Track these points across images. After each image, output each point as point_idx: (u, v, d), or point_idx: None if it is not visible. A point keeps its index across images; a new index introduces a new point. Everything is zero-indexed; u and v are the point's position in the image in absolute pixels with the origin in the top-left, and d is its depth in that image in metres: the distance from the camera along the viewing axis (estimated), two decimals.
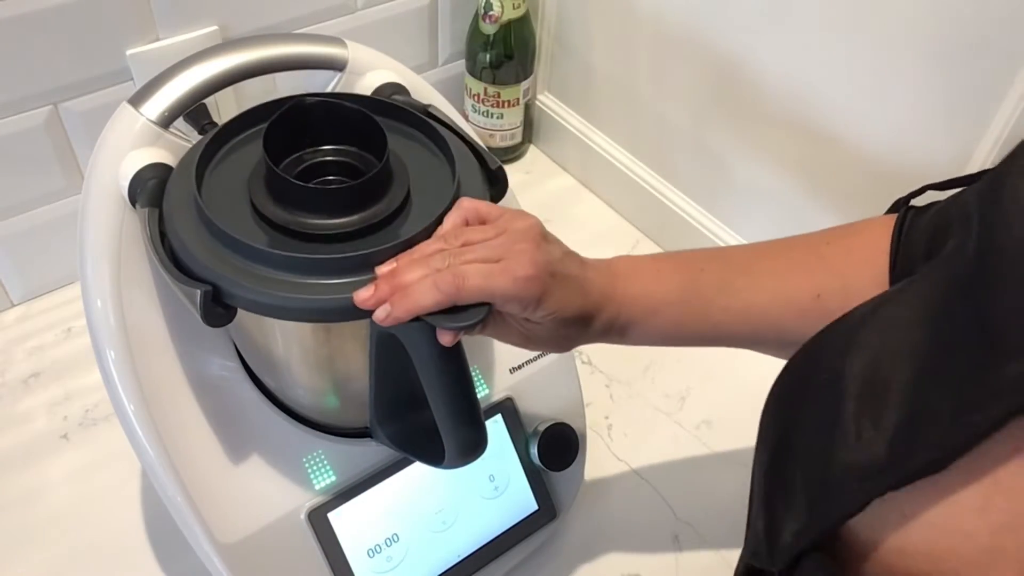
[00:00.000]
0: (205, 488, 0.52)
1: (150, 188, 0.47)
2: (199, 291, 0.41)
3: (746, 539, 0.44)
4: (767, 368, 0.80)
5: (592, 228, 0.94)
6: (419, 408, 0.49)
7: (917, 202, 0.50)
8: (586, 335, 0.50)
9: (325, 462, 0.56)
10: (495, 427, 0.61)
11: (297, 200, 0.45)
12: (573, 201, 0.97)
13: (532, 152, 1.03)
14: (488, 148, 0.52)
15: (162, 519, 0.65)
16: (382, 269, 0.43)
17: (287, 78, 0.59)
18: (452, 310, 0.42)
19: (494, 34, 0.89)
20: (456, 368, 0.46)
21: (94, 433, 0.71)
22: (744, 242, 0.82)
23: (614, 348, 0.81)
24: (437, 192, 0.47)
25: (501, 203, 0.51)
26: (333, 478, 0.56)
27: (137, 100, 0.50)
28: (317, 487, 0.55)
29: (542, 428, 0.62)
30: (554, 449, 0.62)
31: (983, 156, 0.59)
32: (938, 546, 0.32)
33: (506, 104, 0.94)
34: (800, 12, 0.66)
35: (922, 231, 0.46)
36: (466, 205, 0.46)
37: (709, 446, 0.74)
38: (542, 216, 1.00)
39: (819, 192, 0.72)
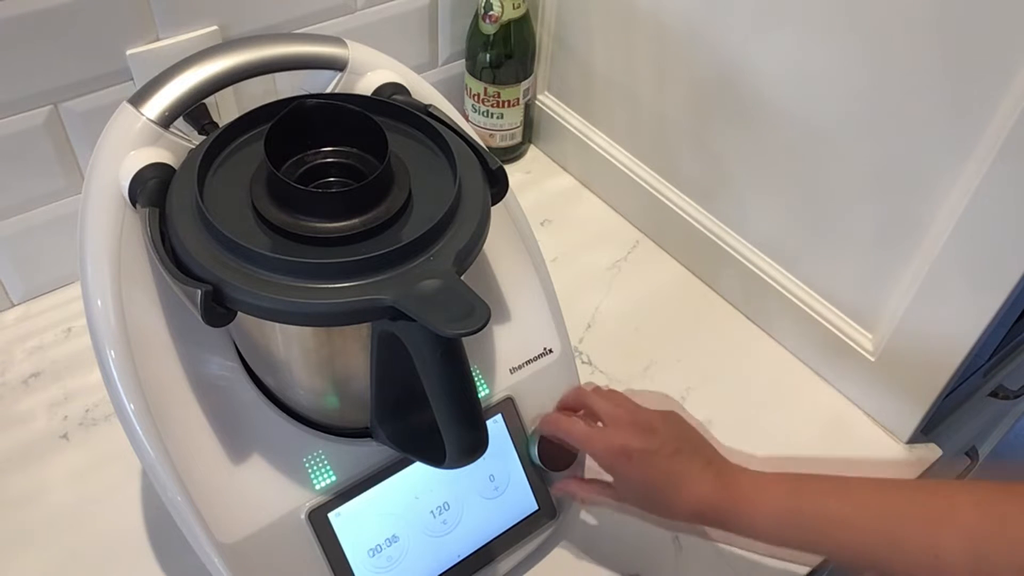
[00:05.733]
0: (205, 488, 0.52)
1: (150, 188, 0.47)
2: (199, 291, 0.41)
3: None
4: (767, 368, 0.81)
5: (592, 228, 0.94)
6: (420, 408, 0.49)
7: None
8: (674, 517, 0.56)
9: (325, 462, 0.56)
10: (495, 427, 0.61)
11: (298, 204, 0.45)
12: (573, 201, 0.97)
13: (532, 152, 1.03)
14: (488, 148, 0.52)
15: (162, 519, 0.65)
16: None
17: (287, 78, 0.59)
18: (454, 314, 0.42)
19: (494, 34, 0.89)
20: (457, 368, 0.46)
21: (94, 433, 0.71)
22: (744, 242, 0.82)
23: (614, 348, 0.81)
24: (438, 193, 0.47)
25: (501, 204, 0.52)
26: (333, 478, 0.56)
27: (137, 100, 0.50)
28: (317, 487, 0.55)
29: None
30: (554, 449, 0.62)
31: (982, 156, 0.59)
32: None
33: (506, 104, 0.94)
34: (799, 12, 0.66)
35: None
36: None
37: None
38: (542, 216, 1.00)
39: (819, 192, 0.72)
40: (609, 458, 0.56)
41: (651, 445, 0.55)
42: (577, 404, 0.62)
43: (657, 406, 0.60)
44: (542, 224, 0.93)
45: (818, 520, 0.51)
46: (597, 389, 0.62)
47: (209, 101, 0.53)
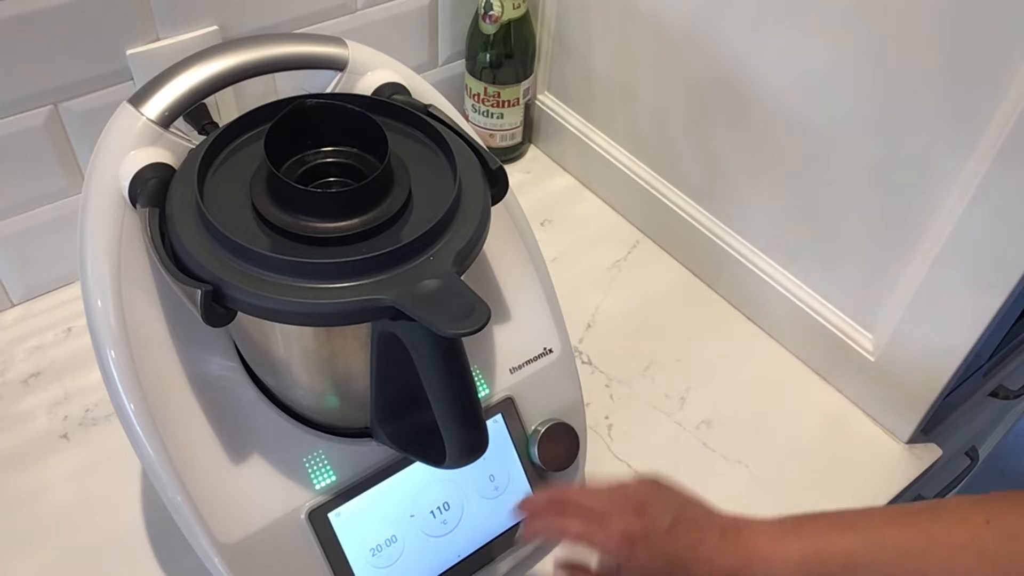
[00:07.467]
0: (205, 488, 0.52)
1: (150, 188, 0.47)
2: (199, 291, 0.41)
3: None
4: (767, 368, 0.81)
5: (592, 228, 0.94)
6: (420, 408, 0.49)
7: None
8: None
9: (325, 462, 0.56)
10: (495, 427, 0.61)
11: (298, 203, 0.45)
12: (573, 201, 0.97)
13: (532, 152, 1.03)
14: (488, 148, 0.52)
15: (162, 519, 0.65)
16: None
17: (287, 78, 0.59)
18: (454, 314, 0.42)
19: (494, 34, 0.89)
20: (457, 368, 0.46)
21: (94, 433, 0.71)
22: (744, 242, 0.82)
23: (614, 348, 0.81)
24: (438, 193, 0.47)
25: (501, 204, 0.52)
26: (333, 478, 0.56)
27: (137, 100, 0.50)
28: (317, 487, 0.55)
29: (542, 428, 0.62)
30: (554, 449, 0.62)
31: (982, 156, 0.59)
32: None
33: (506, 104, 0.94)
34: (799, 12, 0.66)
35: None
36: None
37: (709, 446, 0.74)
38: (542, 216, 1.00)
39: (819, 192, 0.72)
40: (614, 549, 0.53)
41: (648, 525, 0.53)
42: (557, 507, 0.56)
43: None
44: (542, 224, 0.93)
45: (841, 566, 0.49)
46: (569, 488, 0.60)
47: (209, 101, 0.53)
